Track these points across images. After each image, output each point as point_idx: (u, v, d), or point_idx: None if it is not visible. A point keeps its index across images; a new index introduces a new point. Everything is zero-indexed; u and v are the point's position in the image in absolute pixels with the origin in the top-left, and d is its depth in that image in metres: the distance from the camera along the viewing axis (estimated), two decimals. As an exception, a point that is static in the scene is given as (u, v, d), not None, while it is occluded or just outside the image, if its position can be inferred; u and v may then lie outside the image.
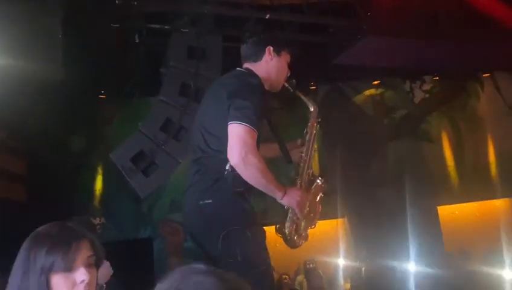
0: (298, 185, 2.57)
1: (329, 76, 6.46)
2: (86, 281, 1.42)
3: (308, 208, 2.53)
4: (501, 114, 6.96)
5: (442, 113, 7.10)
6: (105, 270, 2.75)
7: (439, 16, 4.67)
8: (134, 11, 4.44)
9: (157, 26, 4.70)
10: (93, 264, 1.48)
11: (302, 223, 2.55)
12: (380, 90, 7.00)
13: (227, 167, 2.31)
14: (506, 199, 7.07)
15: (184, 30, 4.53)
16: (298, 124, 2.96)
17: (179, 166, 4.41)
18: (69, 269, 1.42)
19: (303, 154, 2.65)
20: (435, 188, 6.73)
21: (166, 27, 4.66)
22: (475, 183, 6.79)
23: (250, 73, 2.53)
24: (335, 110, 6.66)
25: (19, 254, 1.48)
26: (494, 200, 6.97)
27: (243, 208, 2.38)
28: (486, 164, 6.96)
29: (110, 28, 4.72)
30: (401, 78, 6.99)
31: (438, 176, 6.91)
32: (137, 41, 4.73)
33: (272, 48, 2.57)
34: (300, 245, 2.58)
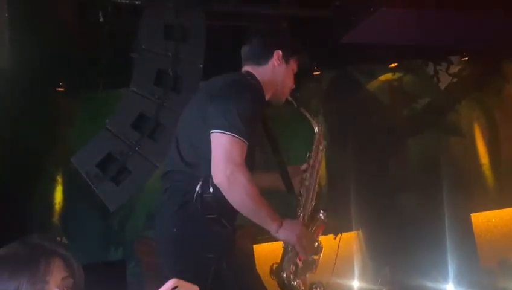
0: (300, 218, 2.61)
1: (336, 59, 6.45)
2: None
3: (307, 246, 2.52)
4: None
5: (473, 101, 7.12)
6: None
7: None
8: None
9: (126, 0, 4.67)
10: (69, 288, 1.47)
11: (301, 264, 2.57)
12: (397, 75, 7.02)
13: (197, 188, 2.32)
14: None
15: (159, 5, 4.51)
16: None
17: (155, 171, 4.37)
18: None
19: (306, 182, 2.70)
20: (466, 192, 6.74)
21: (136, 2, 4.64)
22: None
23: (251, 77, 2.58)
24: (344, 100, 6.66)
25: None
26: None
27: (214, 238, 2.39)
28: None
29: (68, 6, 4.70)
30: (423, 60, 7.01)
31: (470, 178, 6.92)
32: (101, 20, 4.67)
33: (281, 53, 2.64)
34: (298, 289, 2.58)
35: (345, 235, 6.77)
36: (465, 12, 4.97)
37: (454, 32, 5.50)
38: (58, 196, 5.97)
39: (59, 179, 5.99)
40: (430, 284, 5.63)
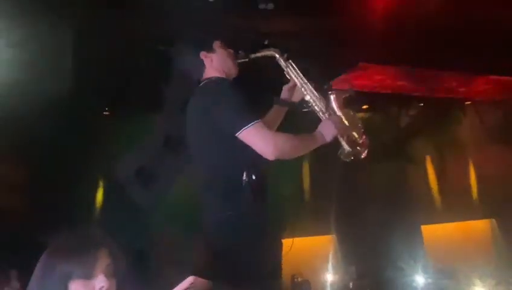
0: (322, 116, 2.43)
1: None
2: (105, 287, 1.38)
3: (345, 120, 2.42)
4: (481, 139, 7.05)
5: (426, 137, 7.16)
6: None
7: (427, 46, 4.76)
8: (141, 32, 4.47)
9: (161, 47, 4.72)
10: (112, 273, 1.42)
11: (354, 135, 2.46)
12: (368, 115, 7.06)
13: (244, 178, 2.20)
14: (486, 220, 7.12)
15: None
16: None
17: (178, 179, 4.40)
18: (88, 276, 1.38)
19: (303, 90, 2.49)
20: (418, 208, 6.76)
21: (169, 49, 4.68)
22: (457, 204, 6.83)
23: (211, 79, 2.40)
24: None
25: (37, 265, 1.44)
26: (475, 221, 7.02)
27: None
28: (468, 186, 7.02)
29: (117, 50, 4.73)
30: (389, 104, 7.05)
31: (422, 197, 6.96)
32: (143, 62, 4.74)
33: (204, 53, 2.44)
34: (365, 152, 2.49)
35: (323, 237, 6.79)
36: (423, 70, 5.06)
37: (414, 84, 5.59)
38: (100, 196, 5.98)
39: (101, 184, 5.98)
40: (389, 277, 5.62)
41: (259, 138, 2.17)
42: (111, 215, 5.64)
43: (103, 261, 1.41)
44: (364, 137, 2.50)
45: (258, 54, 2.52)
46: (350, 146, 2.43)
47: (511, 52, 4.71)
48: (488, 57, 4.87)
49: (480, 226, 7.25)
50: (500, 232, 6.99)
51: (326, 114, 2.43)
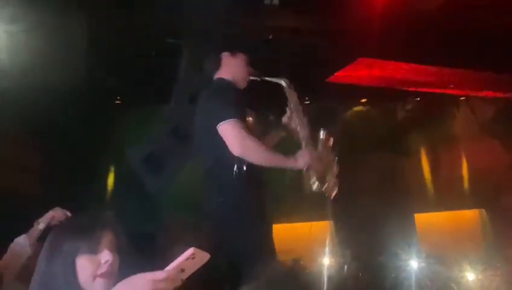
0: (303, 146, 2.53)
1: (322, 94, 6.51)
2: (110, 261, 1.41)
3: (323, 159, 2.52)
4: (474, 133, 7.04)
5: (421, 131, 7.15)
6: None
7: (424, 41, 4.75)
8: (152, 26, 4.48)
9: (172, 40, 4.73)
10: (116, 250, 1.46)
11: (327, 175, 2.54)
12: (366, 108, 7.05)
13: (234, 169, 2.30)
14: (475, 210, 7.15)
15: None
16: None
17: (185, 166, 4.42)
18: (93, 251, 1.41)
19: (297, 120, 2.61)
20: (412, 197, 6.79)
21: (179, 42, 4.69)
22: (449, 194, 6.85)
23: (218, 80, 2.53)
24: (326, 124, 6.70)
25: (45, 242, 1.48)
26: (465, 211, 7.05)
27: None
28: (459, 178, 7.03)
29: (129, 42, 4.75)
30: (386, 98, 7.05)
31: (416, 187, 6.98)
32: (153, 54, 4.74)
33: (226, 53, 2.56)
34: (335, 192, 2.57)
35: (320, 223, 6.83)
36: (420, 65, 5.05)
37: (411, 79, 5.58)
38: (111, 180, 6.01)
39: (114, 169, 6.01)
40: (382, 261, 5.64)
41: (231, 135, 2.28)
42: (121, 199, 5.70)
43: (108, 238, 1.44)
44: (334, 181, 2.57)
45: (270, 79, 2.62)
46: (318, 184, 2.50)
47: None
48: (488, 53, 4.85)
49: (470, 216, 7.29)
50: (489, 222, 7.02)
51: (304, 143, 2.53)
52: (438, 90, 6.35)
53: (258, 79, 2.61)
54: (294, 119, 2.62)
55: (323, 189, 2.50)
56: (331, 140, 2.65)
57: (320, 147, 2.60)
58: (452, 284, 4.92)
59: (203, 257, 1.26)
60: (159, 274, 1.20)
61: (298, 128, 2.59)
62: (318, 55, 5.24)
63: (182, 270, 1.24)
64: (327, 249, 6.50)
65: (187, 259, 1.22)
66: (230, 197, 2.31)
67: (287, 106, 2.67)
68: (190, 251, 1.22)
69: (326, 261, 6.41)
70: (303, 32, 4.80)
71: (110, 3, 4.21)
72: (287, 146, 2.61)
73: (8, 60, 3.86)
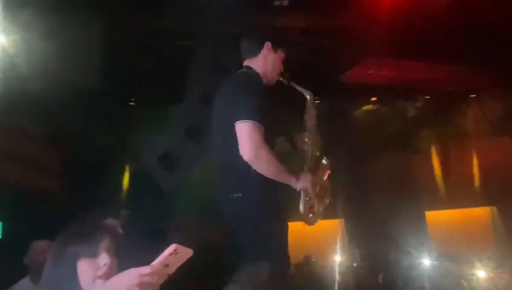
0: (306, 170, 2.47)
1: (333, 92, 6.49)
2: (108, 263, 1.48)
3: (319, 187, 2.45)
4: (484, 131, 6.97)
5: (431, 129, 7.10)
6: None
7: (433, 39, 4.71)
8: (164, 29, 4.50)
9: (183, 43, 4.75)
10: (114, 253, 1.53)
11: (316, 203, 2.47)
12: (376, 106, 7.03)
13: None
14: (486, 207, 7.07)
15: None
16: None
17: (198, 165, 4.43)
18: (93, 255, 1.48)
19: (307, 140, 2.53)
20: (423, 195, 6.74)
21: (190, 44, 4.72)
22: (460, 192, 6.79)
23: (249, 71, 2.44)
24: (337, 122, 6.69)
25: (52, 248, 1.58)
26: (477, 208, 6.98)
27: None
28: (470, 175, 6.97)
29: (144, 44, 4.77)
30: (396, 96, 7.02)
31: (427, 184, 6.93)
32: (165, 56, 4.77)
33: (270, 44, 2.46)
34: (316, 222, 2.50)
35: (332, 221, 6.81)
36: (429, 63, 5.01)
37: (421, 77, 5.53)
38: (126, 180, 6.04)
39: (129, 168, 6.04)
40: (391, 259, 5.61)
41: (246, 137, 2.20)
42: (135, 199, 5.73)
43: (106, 242, 1.51)
44: (322, 211, 2.50)
45: (296, 86, 2.54)
46: (304, 208, 2.42)
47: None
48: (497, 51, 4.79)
49: (481, 213, 7.23)
50: (500, 219, 6.96)
51: (308, 167, 2.46)
52: (447, 88, 6.29)
53: (285, 82, 2.53)
54: (306, 137, 2.53)
55: (305, 215, 2.44)
56: (329, 172, 2.57)
57: (319, 174, 2.54)
58: (463, 281, 4.88)
59: (186, 252, 1.31)
60: (144, 269, 1.28)
61: (305, 147, 2.53)
62: (327, 55, 5.22)
63: (167, 265, 1.31)
64: (338, 247, 6.51)
65: (170, 254, 1.29)
66: (248, 193, 2.28)
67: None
68: (172, 246, 1.28)
69: (338, 259, 6.42)
70: (312, 32, 4.78)
71: (125, 6, 4.23)
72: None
73: (24, 64, 3.90)
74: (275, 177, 2.28)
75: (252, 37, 2.52)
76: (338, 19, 4.59)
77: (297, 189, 2.39)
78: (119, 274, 1.34)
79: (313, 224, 2.50)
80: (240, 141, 2.21)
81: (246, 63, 2.49)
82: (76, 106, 4.72)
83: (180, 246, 1.29)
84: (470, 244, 6.07)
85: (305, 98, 2.54)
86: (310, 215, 2.47)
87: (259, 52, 2.45)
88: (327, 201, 2.56)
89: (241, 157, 2.24)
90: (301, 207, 2.43)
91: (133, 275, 1.28)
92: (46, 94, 4.23)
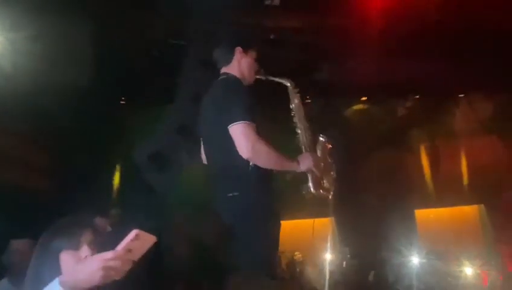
0: (304, 150, 2.51)
1: (323, 92, 6.49)
2: (88, 255, 1.55)
3: (322, 164, 2.49)
4: (473, 130, 7.02)
5: (421, 128, 7.13)
6: None
7: (423, 39, 4.73)
8: (156, 27, 4.47)
9: (174, 41, 4.73)
10: (94, 246, 1.62)
11: (323, 179, 2.51)
12: (367, 106, 7.04)
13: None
14: (475, 206, 7.12)
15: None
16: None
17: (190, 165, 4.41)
18: (75, 247, 1.58)
19: (298, 123, 2.56)
20: (413, 193, 6.76)
21: (182, 42, 4.69)
22: (449, 190, 6.83)
23: (228, 76, 2.47)
24: (327, 121, 6.68)
25: (37, 243, 1.66)
26: (465, 206, 7.03)
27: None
28: (459, 174, 7.01)
29: (134, 43, 4.74)
30: (386, 96, 7.04)
31: (416, 183, 6.95)
32: (157, 54, 4.74)
33: (240, 48, 2.50)
34: (330, 197, 2.54)
35: (322, 220, 6.81)
36: (419, 62, 5.02)
37: (410, 77, 5.55)
38: (117, 179, 6.00)
39: (120, 168, 6.00)
40: (381, 258, 5.62)
41: (241, 136, 2.23)
42: (127, 198, 5.69)
43: (88, 236, 1.62)
44: (331, 183, 2.55)
45: (275, 78, 2.59)
46: (315, 187, 2.45)
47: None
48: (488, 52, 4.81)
49: (469, 211, 7.27)
50: (488, 217, 7.01)
51: (304, 147, 2.50)
52: (436, 88, 6.32)
53: (263, 78, 2.57)
54: (296, 120, 2.57)
55: (316, 193, 2.46)
56: (330, 146, 2.61)
57: (319, 151, 2.57)
58: (450, 279, 4.91)
59: (149, 239, 1.36)
60: (107, 254, 1.34)
61: (299, 131, 2.56)
62: (318, 54, 5.23)
63: (130, 251, 1.35)
64: (329, 245, 6.51)
65: (132, 240, 1.33)
66: (244, 192, 2.29)
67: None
68: (134, 232, 1.32)
69: (328, 257, 6.42)
70: (303, 31, 4.78)
71: (115, 5, 4.20)
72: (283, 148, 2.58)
73: (11, 63, 3.85)
74: (278, 167, 2.32)
75: (222, 45, 2.55)
76: (329, 17, 4.59)
77: (303, 170, 2.38)
78: (84, 259, 1.44)
79: (329, 196, 2.54)
80: (236, 143, 2.25)
81: (223, 70, 2.52)
82: (67, 104, 4.68)
83: (142, 232, 1.32)
84: (458, 242, 6.11)
85: (286, 87, 2.58)
86: (321, 191, 2.49)
87: (232, 58, 2.49)
88: (334, 175, 2.59)
89: (235, 158, 2.28)
90: (311, 186, 2.44)
91: (97, 260, 1.34)
92: (35, 93, 4.20)
